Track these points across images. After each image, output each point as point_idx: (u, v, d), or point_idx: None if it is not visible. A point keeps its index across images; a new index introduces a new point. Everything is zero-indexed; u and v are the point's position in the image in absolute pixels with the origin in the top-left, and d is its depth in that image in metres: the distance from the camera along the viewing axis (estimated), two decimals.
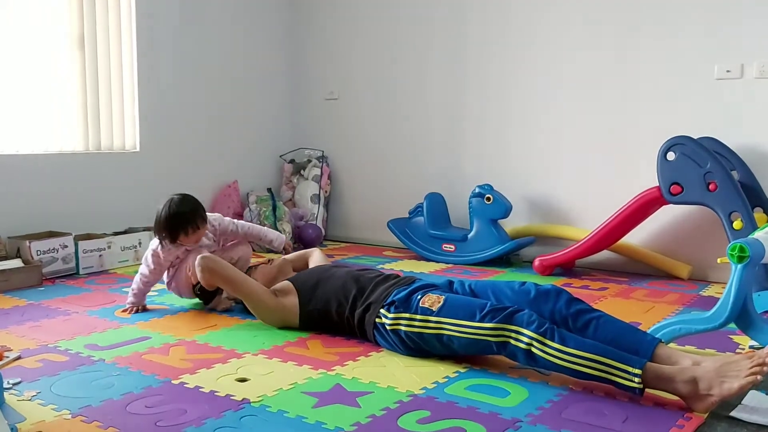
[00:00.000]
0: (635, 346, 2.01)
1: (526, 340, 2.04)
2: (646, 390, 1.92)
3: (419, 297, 2.31)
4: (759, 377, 1.79)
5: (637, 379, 1.89)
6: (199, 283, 2.79)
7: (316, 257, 3.10)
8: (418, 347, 2.29)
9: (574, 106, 4.02)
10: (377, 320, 2.37)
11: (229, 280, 2.67)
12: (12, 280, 3.29)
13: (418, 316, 2.25)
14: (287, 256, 3.16)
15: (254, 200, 4.71)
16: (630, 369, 1.90)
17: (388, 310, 2.33)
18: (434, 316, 2.22)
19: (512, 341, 2.06)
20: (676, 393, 1.89)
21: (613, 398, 1.96)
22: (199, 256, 2.70)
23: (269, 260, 3.01)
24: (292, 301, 2.61)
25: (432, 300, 2.27)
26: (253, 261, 3.21)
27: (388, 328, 2.32)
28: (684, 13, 3.64)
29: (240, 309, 2.93)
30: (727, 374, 1.83)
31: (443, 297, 2.27)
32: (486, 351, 2.17)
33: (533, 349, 2.02)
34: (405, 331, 2.28)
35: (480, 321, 2.12)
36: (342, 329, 2.54)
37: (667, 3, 3.69)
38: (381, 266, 3.88)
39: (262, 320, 2.70)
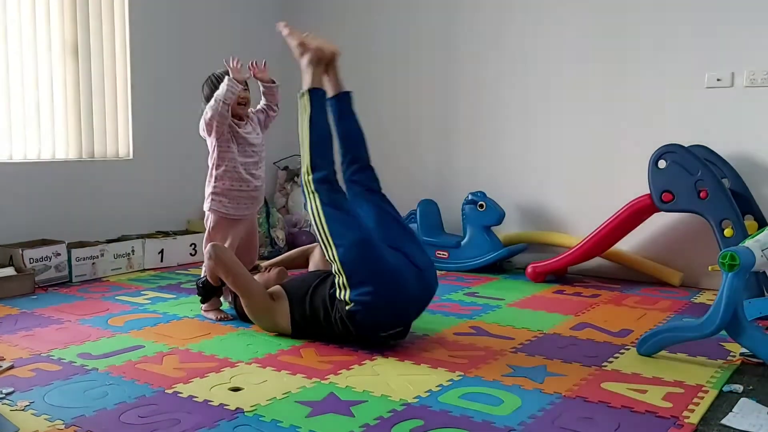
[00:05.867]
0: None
1: (302, 180, 2.53)
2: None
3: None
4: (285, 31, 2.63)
5: (303, 93, 2.55)
6: (205, 276, 2.82)
7: (316, 255, 3.11)
8: (366, 275, 2.39)
9: (566, 115, 4.05)
10: (347, 308, 2.42)
11: (231, 272, 2.69)
12: (4, 288, 3.28)
13: (334, 270, 2.45)
14: (287, 255, 3.19)
15: None
16: (300, 101, 2.56)
17: (339, 297, 2.45)
18: (328, 257, 2.45)
19: (312, 188, 2.48)
20: (309, 72, 2.58)
21: (605, 406, 1.97)
22: (210, 244, 2.75)
23: (267, 268, 3.00)
24: (284, 305, 2.63)
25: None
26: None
27: (349, 302, 2.40)
28: (675, 22, 3.67)
29: (234, 315, 2.93)
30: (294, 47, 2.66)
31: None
32: (337, 207, 2.46)
33: (304, 173, 2.52)
34: (349, 282, 2.39)
35: (308, 213, 2.54)
36: (333, 336, 2.55)
37: (658, 12, 3.71)
38: None
39: (253, 319, 2.72)
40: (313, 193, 2.49)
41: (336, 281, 2.45)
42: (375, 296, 2.38)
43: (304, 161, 2.53)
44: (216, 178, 3.00)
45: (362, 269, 2.39)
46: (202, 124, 2.98)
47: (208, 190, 3.04)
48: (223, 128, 2.94)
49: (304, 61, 2.60)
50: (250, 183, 3.03)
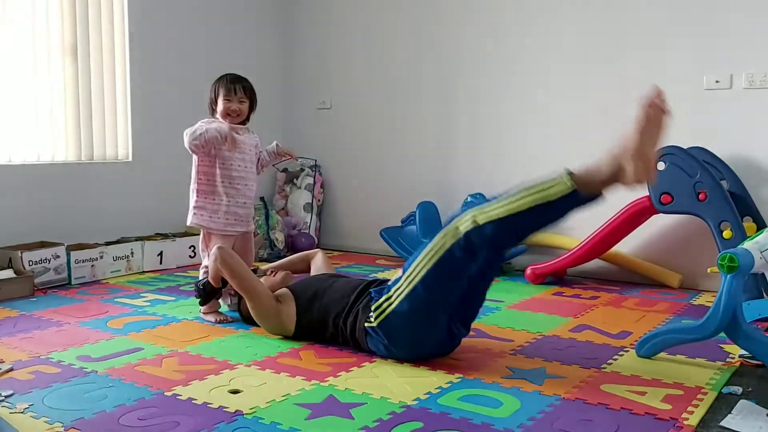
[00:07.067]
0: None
1: (468, 219, 2.15)
2: (587, 199, 2.03)
3: (389, 282, 2.40)
4: (651, 112, 2.04)
5: (568, 181, 1.99)
6: (206, 278, 2.82)
7: (318, 261, 3.11)
8: (407, 324, 2.29)
9: (564, 116, 4.05)
10: (366, 324, 2.38)
11: (237, 275, 2.68)
12: (4, 290, 3.28)
13: (392, 291, 2.32)
14: (287, 260, 3.17)
15: None
16: (557, 177, 2.02)
17: (371, 308, 2.37)
18: (401, 279, 2.29)
19: (461, 229, 2.15)
20: (607, 179, 2.00)
21: (604, 408, 1.97)
22: (216, 246, 2.74)
23: (272, 272, 2.99)
24: (290, 308, 2.62)
25: (395, 275, 2.38)
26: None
27: (375, 325, 2.34)
28: (674, 24, 3.67)
29: (233, 318, 2.93)
30: (630, 132, 1.99)
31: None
32: (455, 267, 2.20)
33: (478, 220, 2.12)
34: (389, 314, 2.30)
35: (431, 241, 2.23)
36: (336, 339, 2.54)
37: (657, 14, 3.72)
38: (374, 275, 3.89)
39: (259, 321, 2.70)
40: (459, 234, 2.15)
41: (379, 299, 2.35)
42: (395, 351, 2.36)
43: (492, 213, 2.11)
44: (198, 192, 3.00)
45: (406, 330, 2.30)
46: (188, 129, 2.93)
47: (191, 203, 3.03)
48: (197, 151, 2.93)
49: (622, 166, 1.97)
50: (231, 199, 2.99)
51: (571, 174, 1.99)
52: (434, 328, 2.32)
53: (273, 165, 3.15)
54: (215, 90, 3.03)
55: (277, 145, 3.22)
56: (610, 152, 1.97)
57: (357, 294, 2.51)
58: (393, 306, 2.30)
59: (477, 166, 4.39)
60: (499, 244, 2.21)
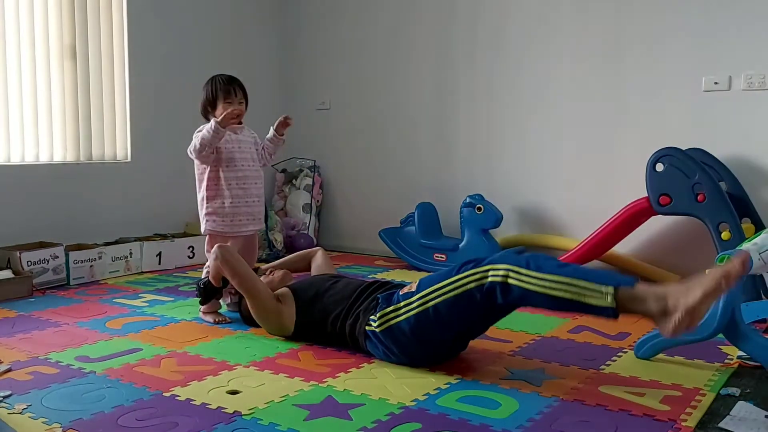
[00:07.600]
0: (613, 277, 2.00)
1: (501, 272, 2.07)
2: (620, 316, 1.93)
3: (399, 291, 2.38)
4: (723, 286, 1.82)
5: (609, 297, 1.91)
6: (207, 277, 2.81)
7: (319, 259, 3.10)
8: (409, 340, 2.28)
9: (564, 118, 4.05)
10: (367, 328, 2.38)
11: (238, 273, 2.67)
12: (2, 290, 3.28)
13: (401, 304, 2.30)
14: (288, 258, 3.17)
15: None
16: (603, 288, 1.93)
17: (374, 314, 2.36)
18: (415, 295, 2.27)
19: (489, 277, 2.10)
20: (647, 313, 1.91)
21: (603, 409, 1.97)
22: (217, 245, 2.73)
23: (271, 271, 2.99)
24: (291, 308, 2.62)
25: (409, 287, 2.36)
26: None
27: (377, 330, 2.33)
28: (672, 25, 3.68)
29: (231, 318, 2.93)
30: (693, 285, 1.85)
31: (417, 280, 2.35)
32: (471, 307, 2.18)
33: (509, 280, 2.05)
34: (393, 325, 2.29)
35: (456, 274, 2.18)
36: (335, 340, 2.54)
37: (655, 15, 3.73)
38: (372, 276, 3.89)
39: (259, 321, 2.69)
40: (485, 281, 2.11)
41: (386, 307, 2.34)
42: (393, 358, 2.35)
43: (526, 281, 2.03)
44: (207, 199, 2.99)
45: (407, 344, 2.30)
46: (190, 148, 2.94)
47: (202, 212, 3.02)
48: (207, 161, 2.94)
49: (669, 312, 1.87)
50: (240, 199, 2.99)
51: (616, 292, 1.92)
52: (435, 346, 2.33)
53: (277, 151, 3.15)
54: (212, 93, 2.98)
55: (272, 128, 3.19)
56: (664, 292, 1.88)
57: (356, 295, 2.51)
58: (399, 319, 2.29)
59: (476, 167, 4.39)
60: (519, 305, 2.19)
